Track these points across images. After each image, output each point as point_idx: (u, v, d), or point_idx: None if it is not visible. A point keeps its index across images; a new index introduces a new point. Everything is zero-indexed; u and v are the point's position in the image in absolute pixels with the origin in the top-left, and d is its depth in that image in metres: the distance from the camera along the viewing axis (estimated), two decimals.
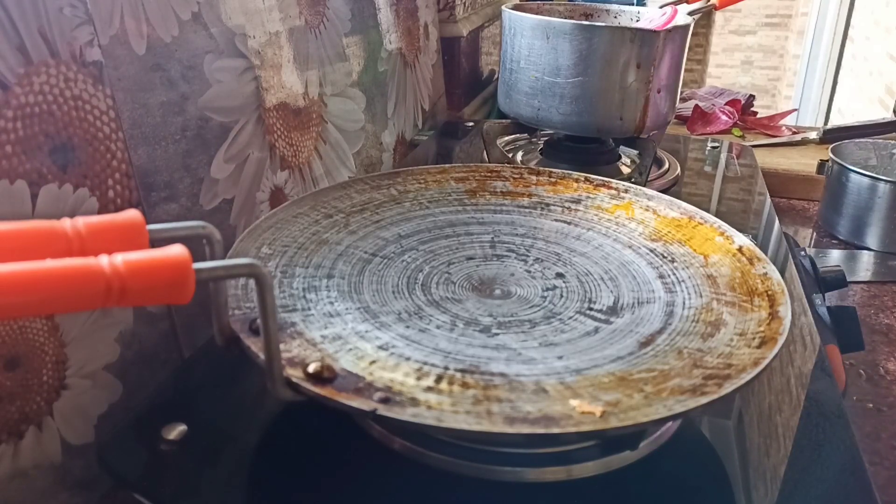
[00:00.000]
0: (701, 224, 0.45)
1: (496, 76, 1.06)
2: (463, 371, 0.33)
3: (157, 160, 0.43)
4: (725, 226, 0.44)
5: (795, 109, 0.94)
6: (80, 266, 0.23)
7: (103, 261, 0.24)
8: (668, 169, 0.72)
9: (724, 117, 0.98)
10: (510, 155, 0.75)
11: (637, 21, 0.76)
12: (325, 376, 0.30)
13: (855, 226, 0.78)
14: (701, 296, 0.39)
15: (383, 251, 0.43)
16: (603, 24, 0.71)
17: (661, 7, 0.73)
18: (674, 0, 0.75)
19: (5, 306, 0.22)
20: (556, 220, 0.48)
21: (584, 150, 0.72)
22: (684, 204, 0.47)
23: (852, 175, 0.77)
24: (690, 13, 0.72)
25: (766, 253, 0.41)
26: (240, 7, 0.50)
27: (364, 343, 0.34)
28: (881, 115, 1.72)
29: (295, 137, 0.57)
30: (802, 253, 0.63)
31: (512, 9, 0.70)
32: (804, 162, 0.99)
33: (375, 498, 0.33)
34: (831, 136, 1.01)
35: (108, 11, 0.39)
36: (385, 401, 0.29)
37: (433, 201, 0.49)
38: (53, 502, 0.36)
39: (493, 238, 0.46)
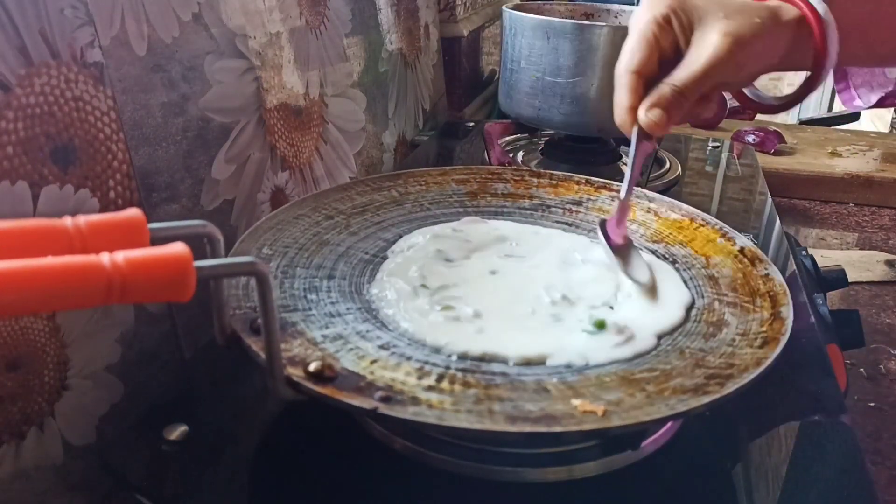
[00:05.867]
0: (702, 226, 0.45)
1: (497, 76, 1.06)
2: (464, 370, 0.33)
3: (157, 161, 0.43)
4: (727, 227, 0.44)
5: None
6: (82, 263, 0.23)
7: (104, 258, 0.24)
8: (669, 168, 0.72)
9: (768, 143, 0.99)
10: (511, 155, 0.75)
11: None
12: (325, 375, 0.30)
13: None
14: (703, 296, 0.39)
15: (384, 252, 0.43)
16: (603, 24, 0.71)
17: None
18: None
19: (7, 303, 0.22)
20: (556, 223, 0.48)
21: (585, 149, 0.72)
22: (686, 206, 0.47)
23: None
24: None
25: (767, 252, 0.41)
26: (240, 8, 0.50)
27: (365, 342, 0.34)
28: (883, 114, 1.72)
29: (296, 138, 0.57)
30: (803, 252, 0.63)
31: (512, 9, 0.70)
32: (805, 161, 0.99)
33: (377, 498, 0.33)
34: (806, 124, 1.09)
35: (109, 12, 0.39)
36: (386, 400, 0.29)
37: (434, 203, 0.49)
38: (55, 503, 0.36)
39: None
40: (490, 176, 0.52)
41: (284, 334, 0.33)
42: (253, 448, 0.36)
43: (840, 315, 0.57)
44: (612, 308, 0.38)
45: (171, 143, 0.44)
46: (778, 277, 0.39)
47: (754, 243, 0.42)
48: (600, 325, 0.35)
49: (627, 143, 0.73)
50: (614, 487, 0.33)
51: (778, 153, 0.99)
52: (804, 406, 0.41)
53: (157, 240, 0.28)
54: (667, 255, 0.44)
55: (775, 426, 0.39)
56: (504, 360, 0.33)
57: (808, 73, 0.37)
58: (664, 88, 0.36)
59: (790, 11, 0.35)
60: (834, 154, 1.01)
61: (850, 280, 0.62)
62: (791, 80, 2.50)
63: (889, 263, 0.76)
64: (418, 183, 0.50)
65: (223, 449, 0.35)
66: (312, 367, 0.30)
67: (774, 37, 0.35)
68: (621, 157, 0.74)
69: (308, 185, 0.58)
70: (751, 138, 1.00)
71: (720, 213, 0.47)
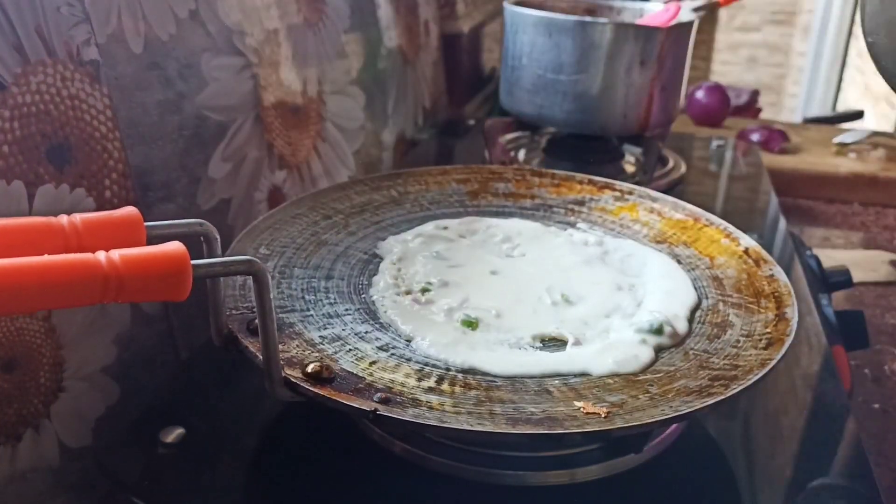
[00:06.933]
0: (707, 226, 0.45)
1: (498, 74, 1.05)
2: (465, 372, 0.32)
3: (153, 160, 0.42)
4: (731, 227, 0.44)
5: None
6: (78, 261, 0.23)
7: (101, 256, 0.23)
8: (673, 167, 0.72)
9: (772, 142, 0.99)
10: (512, 154, 0.74)
11: (640, 17, 0.75)
12: (324, 376, 0.30)
13: None
14: (707, 297, 0.39)
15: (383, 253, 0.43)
16: (606, 20, 0.71)
17: (665, 3, 0.73)
18: None
19: (2, 301, 0.22)
20: (558, 223, 0.48)
21: (588, 148, 0.72)
22: (690, 205, 0.46)
23: None
24: (694, 10, 0.71)
25: (771, 253, 0.41)
26: (237, 4, 0.50)
27: (364, 344, 0.34)
28: (887, 112, 1.71)
29: (293, 136, 0.56)
30: (808, 253, 0.62)
31: (514, 5, 0.69)
32: (810, 161, 0.98)
33: (376, 503, 0.32)
34: (810, 123, 1.10)
35: (106, 10, 0.39)
36: (385, 401, 0.29)
37: (434, 203, 0.48)
38: None
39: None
40: (491, 175, 0.51)
41: (282, 335, 0.33)
42: (250, 451, 0.35)
43: (845, 316, 0.56)
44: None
45: (168, 141, 0.43)
46: (783, 278, 0.38)
47: (759, 243, 0.42)
48: (658, 331, 0.35)
49: (630, 142, 0.72)
50: (617, 491, 0.33)
51: (782, 152, 0.99)
52: (808, 408, 0.41)
53: (154, 238, 0.28)
54: (670, 256, 0.43)
55: (779, 428, 0.39)
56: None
57: None
58: None
59: None
60: (839, 153, 1.01)
61: (854, 281, 0.61)
62: (796, 79, 2.49)
63: (894, 264, 0.75)
64: (418, 182, 0.50)
65: (220, 452, 0.35)
66: (310, 368, 0.30)
67: None
68: (623, 155, 0.73)
69: (306, 183, 0.58)
70: (755, 137, 0.99)
71: (724, 212, 0.46)
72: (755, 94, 1.29)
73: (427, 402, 0.29)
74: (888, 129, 1.61)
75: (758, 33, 2.55)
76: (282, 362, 0.29)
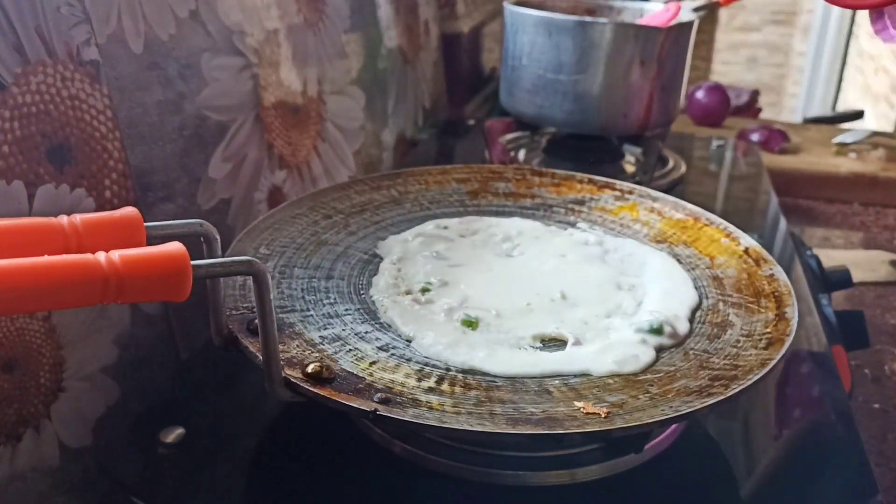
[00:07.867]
0: (707, 225, 0.45)
1: (498, 73, 1.05)
2: (465, 372, 0.32)
3: (154, 160, 0.42)
4: (731, 227, 0.44)
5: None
6: (78, 261, 0.23)
7: (101, 257, 0.23)
8: (673, 167, 0.72)
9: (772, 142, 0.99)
10: (512, 153, 0.74)
11: (641, 17, 0.75)
12: (324, 376, 0.30)
13: None
14: (707, 297, 0.39)
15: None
16: (606, 20, 0.71)
17: (665, 3, 0.73)
18: None
19: (2, 302, 0.22)
20: (558, 222, 0.48)
21: (588, 148, 0.72)
22: (690, 205, 0.46)
23: None
24: (694, 10, 0.71)
25: (771, 252, 0.41)
26: (238, 4, 0.50)
27: (364, 344, 0.34)
28: (887, 112, 1.71)
29: (293, 136, 0.56)
30: (808, 252, 0.62)
31: (514, 5, 0.69)
32: (810, 160, 0.98)
33: (376, 503, 0.33)
34: (810, 123, 1.09)
35: (106, 10, 0.39)
36: (385, 401, 0.29)
37: (434, 202, 0.48)
38: None
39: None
40: (491, 175, 0.51)
41: (282, 335, 0.33)
42: (250, 451, 0.35)
43: (845, 316, 0.57)
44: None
45: (168, 141, 0.43)
46: (783, 278, 0.38)
47: (759, 243, 0.42)
48: (658, 331, 0.35)
49: (630, 142, 0.73)
50: (617, 491, 0.33)
51: (782, 152, 0.99)
52: (808, 407, 0.41)
53: (154, 239, 0.28)
54: (670, 256, 0.43)
55: (780, 428, 0.39)
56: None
57: None
58: None
59: None
60: (839, 153, 1.01)
61: (854, 280, 0.61)
62: (796, 79, 2.49)
63: (894, 264, 0.75)
64: (418, 182, 0.50)
65: (220, 452, 0.35)
66: (310, 368, 0.30)
67: None
68: (624, 155, 0.73)
69: (306, 183, 0.58)
70: (755, 137, 0.99)
71: (724, 212, 0.46)
72: (755, 94, 1.29)
73: (427, 402, 0.29)
74: (888, 129, 1.61)
75: (758, 33, 2.55)
76: (282, 362, 0.29)
